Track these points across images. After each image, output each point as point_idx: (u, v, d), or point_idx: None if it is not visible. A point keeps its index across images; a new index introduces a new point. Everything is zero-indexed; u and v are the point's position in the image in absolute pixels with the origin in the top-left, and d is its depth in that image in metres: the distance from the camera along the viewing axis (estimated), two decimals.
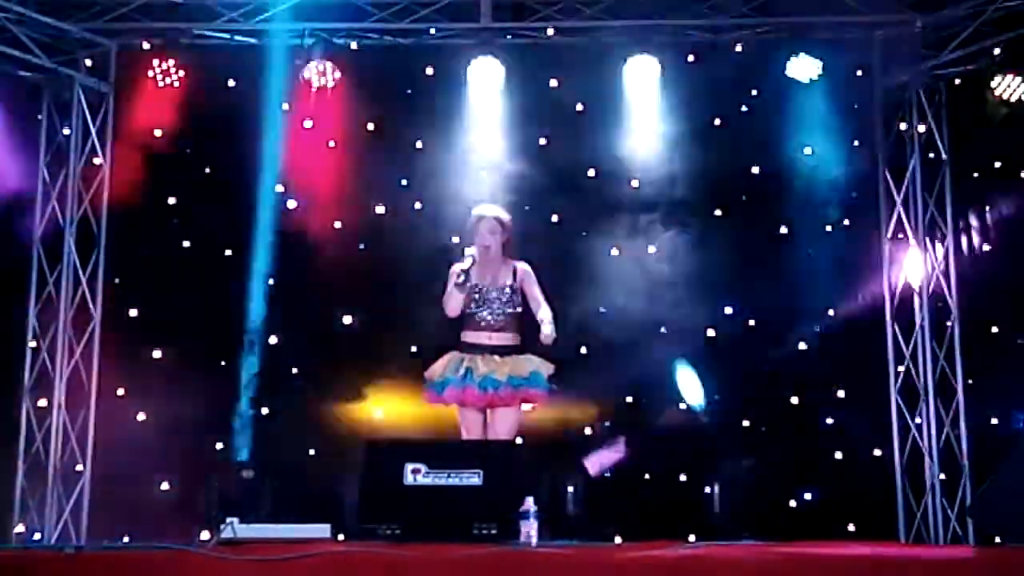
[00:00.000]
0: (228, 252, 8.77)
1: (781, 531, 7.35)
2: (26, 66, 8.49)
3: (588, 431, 8.67)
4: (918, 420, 8.46)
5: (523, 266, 6.61)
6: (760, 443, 8.59)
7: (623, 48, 8.72)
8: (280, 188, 8.76)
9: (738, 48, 8.76)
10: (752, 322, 8.72)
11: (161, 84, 8.67)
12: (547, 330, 6.35)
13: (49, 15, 8.46)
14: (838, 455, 8.57)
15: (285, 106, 8.77)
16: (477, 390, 6.37)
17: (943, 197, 8.60)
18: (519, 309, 6.55)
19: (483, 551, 4.50)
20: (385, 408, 8.57)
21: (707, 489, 8.59)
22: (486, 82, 8.73)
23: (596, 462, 8.30)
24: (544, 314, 6.44)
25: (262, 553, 4.49)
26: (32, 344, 8.49)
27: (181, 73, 8.68)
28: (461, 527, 5.09)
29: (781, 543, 5.49)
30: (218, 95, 8.72)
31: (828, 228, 8.73)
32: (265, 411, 8.59)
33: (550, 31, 8.79)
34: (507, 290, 6.52)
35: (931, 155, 8.64)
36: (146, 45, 8.72)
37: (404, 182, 8.87)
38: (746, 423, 8.67)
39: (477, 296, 6.49)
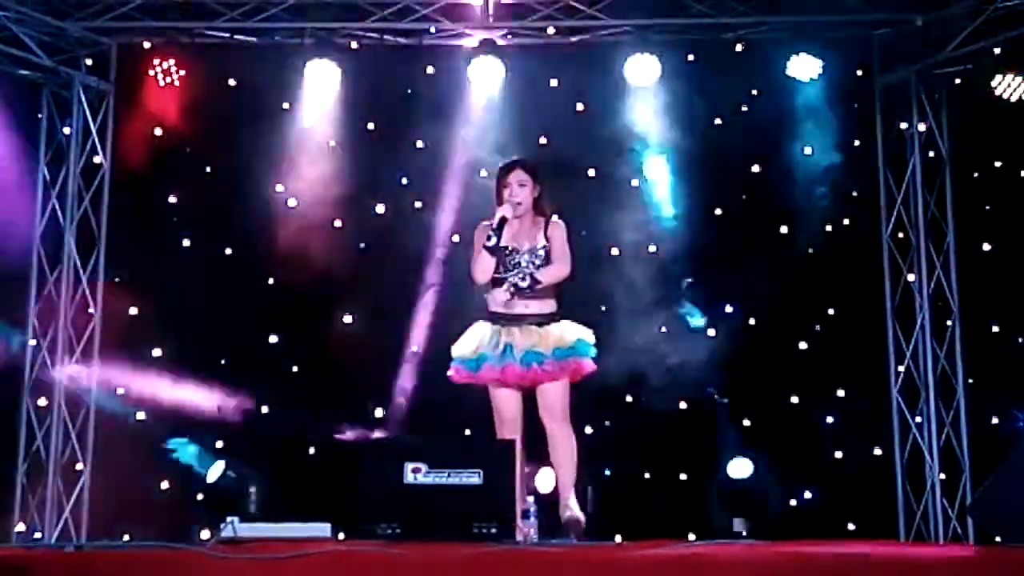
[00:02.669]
0: (228, 251, 8.78)
1: (781, 530, 7.35)
2: (26, 65, 8.49)
3: (588, 430, 8.67)
4: (918, 419, 8.46)
5: (555, 221, 5.92)
6: (760, 442, 8.59)
7: (623, 47, 8.72)
8: (280, 187, 8.78)
9: (738, 47, 8.76)
10: (752, 321, 8.72)
11: (161, 83, 8.68)
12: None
13: (49, 14, 8.46)
14: (838, 454, 8.58)
15: (285, 105, 8.78)
16: (519, 367, 5.76)
17: (943, 196, 8.60)
18: None
19: (483, 550, 4.50)
20: (385, 407, 8.56)
21: (707, 489, 8.58)
22: (486, 82, 8.72)
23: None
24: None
25: (262, 552, 4.49)
26: (32, 343, 8.50)
27: (182, 72, 8.69)
28: (461, 526, 5.08)
29: (781, 542, 5.49)
30: (218, 94, 8.75)
31: (828, 227, 8.74)
32: (265, 409, 8.61)
33: (550, 31, 8.79)
34: (540, 252, 5.84)
35: (931, 154, 8.65)
36: (147, 44, 8.73)
37: (404, 181, 8.87)
38: (746, 422, 8.67)
39: (507, 259, 5.81)
